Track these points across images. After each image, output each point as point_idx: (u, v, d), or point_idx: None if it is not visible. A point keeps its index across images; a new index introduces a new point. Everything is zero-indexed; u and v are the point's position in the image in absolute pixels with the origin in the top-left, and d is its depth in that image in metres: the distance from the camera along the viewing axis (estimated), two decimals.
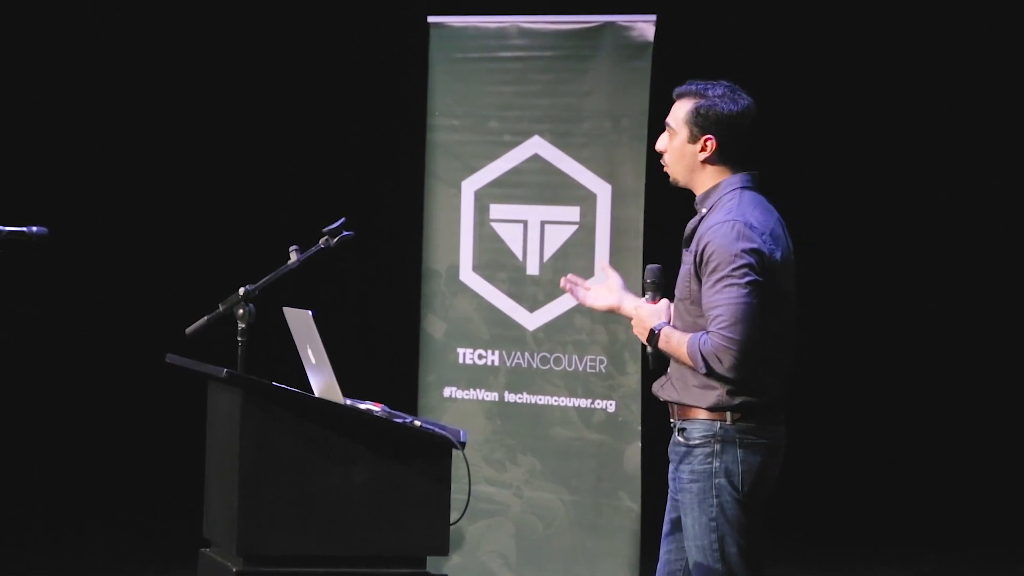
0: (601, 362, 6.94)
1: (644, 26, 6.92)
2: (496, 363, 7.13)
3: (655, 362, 4.71)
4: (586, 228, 6.98)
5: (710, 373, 4.49)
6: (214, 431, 5.09)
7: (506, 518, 7.11)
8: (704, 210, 4.64)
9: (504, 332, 7.11)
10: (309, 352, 4.99)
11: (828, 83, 9.76)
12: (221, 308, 5.16)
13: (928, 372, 9.88)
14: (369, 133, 9.94)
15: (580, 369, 6.99)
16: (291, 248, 5.26)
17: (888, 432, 9.95)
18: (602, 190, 6.97)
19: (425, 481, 4.80)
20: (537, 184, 7.08)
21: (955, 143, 9.80)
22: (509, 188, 7.11)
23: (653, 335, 4.62)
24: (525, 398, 7.07)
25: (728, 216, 4.53)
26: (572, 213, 7.01)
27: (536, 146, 7.09)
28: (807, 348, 9.88)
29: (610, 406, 6.92)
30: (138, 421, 9.91)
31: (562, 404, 7.00)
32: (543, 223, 7.06)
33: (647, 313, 4.67)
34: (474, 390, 7.15)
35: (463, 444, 4.85)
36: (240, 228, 9.80)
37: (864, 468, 9.89)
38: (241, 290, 5.13)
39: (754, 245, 4.50)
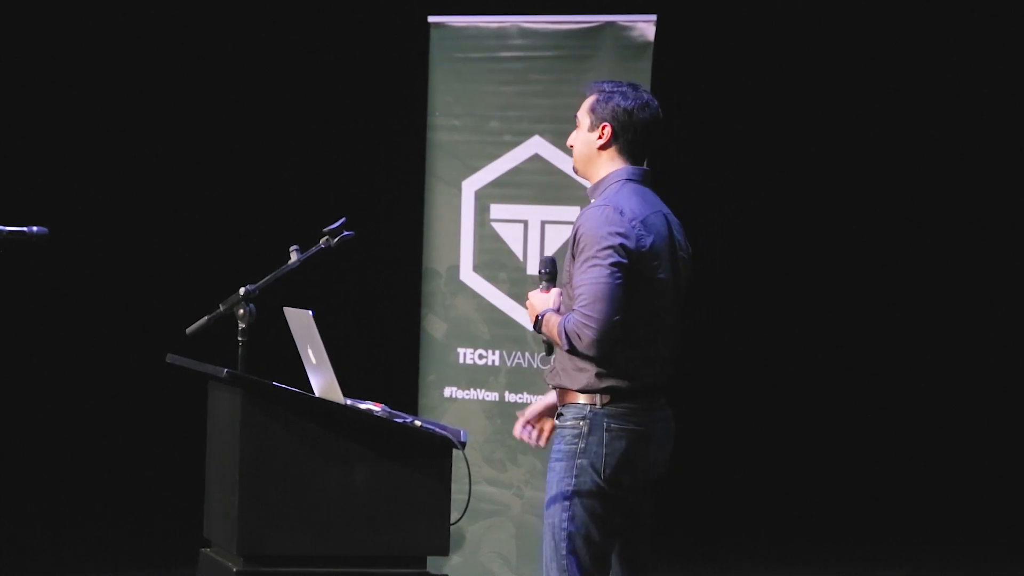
0: None
1: (644, 26, 6.92)
2: (496, 363, 7.13)
3: (549, 350, 4.83)
4: None
5: (572, 350, 4.60)
6: (214, 431, 5.10)
7: (506, 518, 7.11)
8: (593, 200, 4.77)
9: (504, 332, 7.11)
10: (309, 352, 4.99)
11: (828, 83, 9.76)
12: (221, 308, 5.16)
13: (927, 371, 9.88)
14: (369, 133, 9.94)
15: None
16: (291, 248, 5.26)
17: (888, 431, 9.95)
18: None
19: (425, 481, 4.80)
20: (537, 184, 7.08)
21: (957, 143, 9.80)
22: (509, 188, 7.12)
23: (538, 320, 4.74)
24: (526, 398, 7.07)
25: (602, 202, 4.67)
26: (572, 213, 7.00)
27: (536, 146, 7.09)
28: (809, 350, 9.92)
29: None
30: (138, 421, 9.91)
31: None
32: (543, 223, 7.06)
33: (537, 301, 4.79)
34: (474, 390, 7.15)
35: (463, 444, 4.86)
36: (240, 228, 9.80)
37: (863, 467, 9.89)
38: (241, 290, 5.13)
39: (620, 229, 4.60)
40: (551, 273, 4.83)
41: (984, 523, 9.60)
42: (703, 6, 9.45)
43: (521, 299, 7.08)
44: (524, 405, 7.06)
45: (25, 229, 4.85)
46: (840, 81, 9.76)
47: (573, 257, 4.65)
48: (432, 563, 4.89)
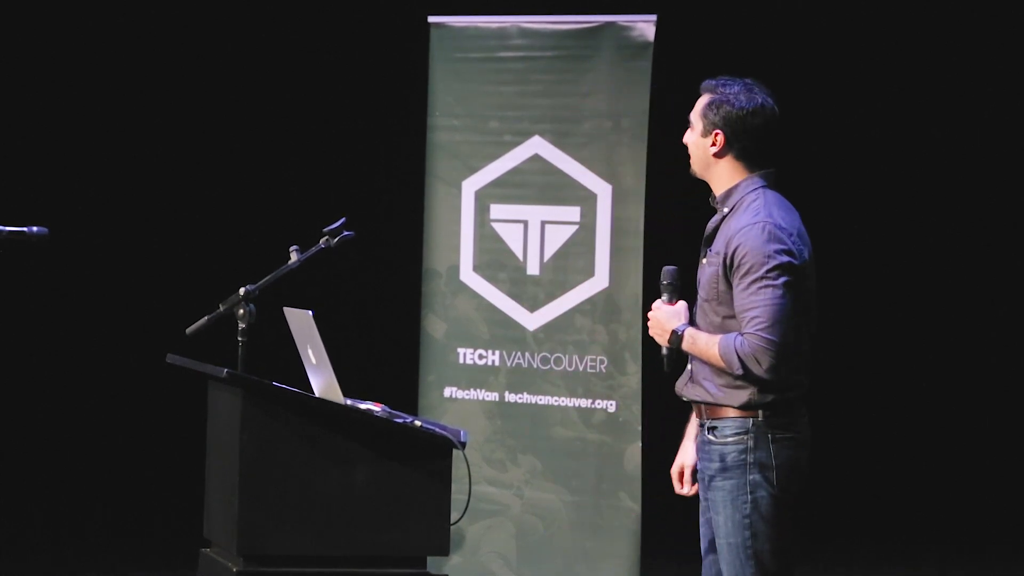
0: (601, 362, 6.94)
1: (644, 26, 6.92)
2: (496, 363, 7.12)
3: (671, 364, 4.64)
4: (586, 228, 6.98)
5: (746, 374, 4.47)
6: (214, 431, 5.10)
7: (506, 518, 7.11)
8: (726, 209, 4.65)
9: (504, 332, 7.11)
10: (309, 352, 4.99)
11: (829, 82, 9.76)
12: (221, 308, 5.17)
13: (929, 371, 9.88)
14: (369, 133, 9.93)
15: (580, 369, 6.99)
16: (291, 248, 5.27)
17: (890, 430, 9.94)
18: (602, 190, 6.96)
19: (425, 481, 4.80)
20: (537, 184, 7.08)
21: (959, 142, 9.79)
22: (509, 188, 7.12)
23: (676, 336, 4.59)
24: (525, 398, 7.07)
25: (757, 218, 4.55)
26: (572, 213, 7.01)
27: (536, 146, 7.09)
28: (812, 349, 9.90)
29: (610, 406, 6.92)
30: (138, 421, 9.90)
31: (562, 404, 7.00)
32: (543, 223, 7.06)
33: (665, 315, 4.64)
34: (474, 390, 7.15)
35: (463, 444, 4.86)
36: (240, 228, 9.80)
37: (864, 467, 9.88)
38: (241, 290, 5.13)
39: (785, 247, 4.51)
40: (674, 285, 4.66)
41: (985, 523, 9.60)
42: (703, 6, 9.44)
43: (521, 299, 7.08)
44: (524, 405, 7.07)
45: (25, 229, 4.86)
46: (841, 81, 9.76)
47: (727, 276, 4.52)
48: (432, 563, 4.89)
